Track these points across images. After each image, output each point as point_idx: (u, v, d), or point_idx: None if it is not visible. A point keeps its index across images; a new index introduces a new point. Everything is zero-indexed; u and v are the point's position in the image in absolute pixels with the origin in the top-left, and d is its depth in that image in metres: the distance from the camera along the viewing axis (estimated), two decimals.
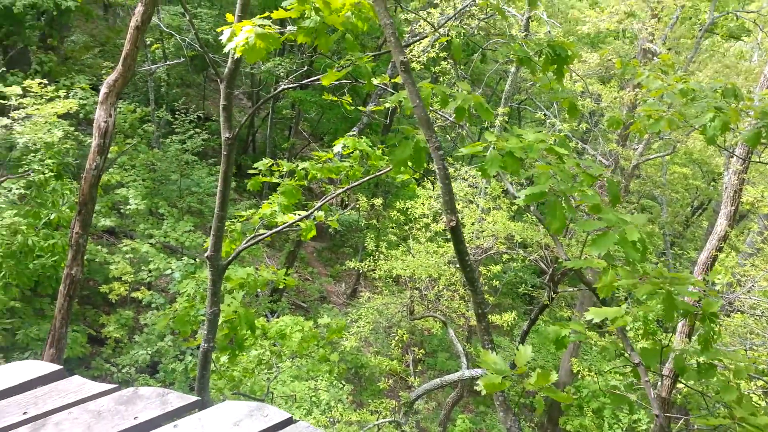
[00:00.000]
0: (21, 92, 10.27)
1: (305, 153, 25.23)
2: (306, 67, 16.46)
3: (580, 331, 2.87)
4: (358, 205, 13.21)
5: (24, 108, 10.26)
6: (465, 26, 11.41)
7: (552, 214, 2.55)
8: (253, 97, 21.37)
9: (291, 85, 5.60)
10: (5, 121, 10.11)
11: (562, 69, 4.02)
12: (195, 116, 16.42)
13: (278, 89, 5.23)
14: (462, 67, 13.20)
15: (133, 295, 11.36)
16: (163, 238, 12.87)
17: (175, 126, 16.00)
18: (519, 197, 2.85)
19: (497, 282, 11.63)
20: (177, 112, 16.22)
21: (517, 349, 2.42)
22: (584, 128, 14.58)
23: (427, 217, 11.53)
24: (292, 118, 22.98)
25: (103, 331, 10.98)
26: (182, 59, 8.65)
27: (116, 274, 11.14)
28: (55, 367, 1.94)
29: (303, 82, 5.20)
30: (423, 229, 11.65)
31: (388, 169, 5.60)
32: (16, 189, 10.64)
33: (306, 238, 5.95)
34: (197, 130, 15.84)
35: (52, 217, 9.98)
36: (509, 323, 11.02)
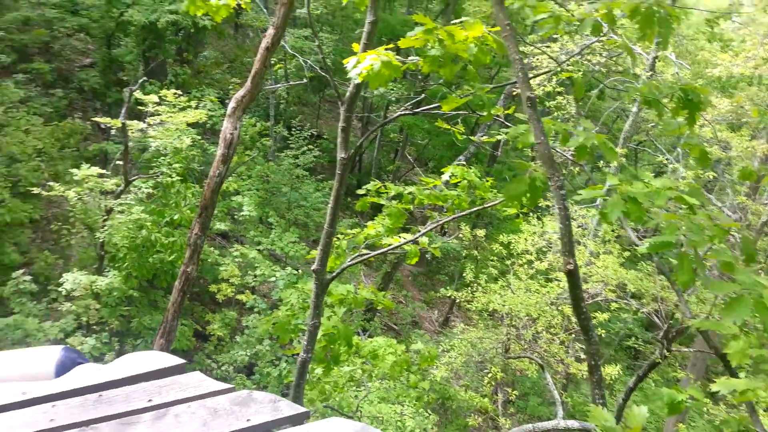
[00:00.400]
0: (157, 100, 11.15)
1: (409, 177, 25.50)
2: (419, 94, 16.71)
3: (698, 398, 2.65)
4: (461, 235, 13.14)
5: (159, 115, 11.15)
6: (586, 62, 11.13)
7: (681, 268, 2.39)
8: (363, 120, 21.99)
9: (407, 112, 5.72)
10: (142, 125, 11.05)
11: (695, 115, 3.80)
12: (309, 134, 17.18)
13: (395, 115, 5.33)
14: (578, 102, 12.83)
15: (238, 297, 11.95)
16: (270, 246, 13.47)
17: (290, 142, 16.82)
18: (641, 245, 2.71)
19: (603, 331, 11.02)
20: (293, 129, 17.05)
21: (625, 406, 2.28)
22: (709, 177, 13.62)
23: (530, 254, 11.22)
24: (399, 142, 23.38)
25: (208, 328, 11.62)
26: (304, 80, 9.13)
27: (225, 276, 11.78)
28: (179, 360, 2.04)
29: (420, 109, 5.30)
30: (525, 266, 11.34)
31: (498, 202, 5.55)
32: (146, 188, 11.59)
33: (410, 262, 6.00)
34: (310, 146, 16.54)
35: (175, 217, 10.79)
36: (612, 377, 10.40)
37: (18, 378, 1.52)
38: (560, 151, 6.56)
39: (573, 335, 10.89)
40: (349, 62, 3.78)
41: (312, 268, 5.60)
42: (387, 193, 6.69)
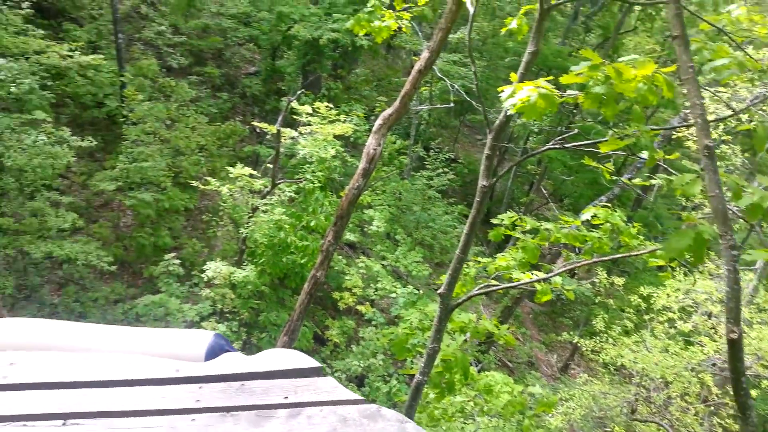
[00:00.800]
0: (310, 111, 11.81)
1: (541, 211, 24.72)
2: (566, 128, 16.16)
3: None
4: (595, 280, 12.42)
5: (310, 125, 11.80)
6: (761, 112, 10.07)
7: None
8: (502, 149, 21.67)
9: (556, 147, 5.52)
10: (294, 133, 11.74)
11: None
12: (446, 156, 17.27)
13: (542, 149, 5.16)
14: (745, 154, 11.65)
15: (358, 307, 12.22)
16: (394, 262, 13.66)
17: (426, 162, 17.01)
18: None
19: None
20: (431, 150, 17.24)
21: None
22: None
23: (673, 312, 10.29)
24: (535, 174, 22.75)
25: (327, 333, 11.99)
26: (450, 104, 9.21)
27: (348, 285, 12.11)
28: (316, 363, 2.07)
29: (572, 145, 5.08)
30: (665, 324, 10.43)
31: (648, 251, 5.14)
32: (289, 192, 12.27)
33: (540, 300, 5.76)
34: (445, 169, 16.61)
35: (311, 222, 11.31)
36: None
37: (172, 356, 1.62)
38: (730, 207, 5.98)
39: (711, 407, 9.79)
40: (504, 91, 3.72)
41: (438, 291, 5.57)
42: (522, 226, 6.50)
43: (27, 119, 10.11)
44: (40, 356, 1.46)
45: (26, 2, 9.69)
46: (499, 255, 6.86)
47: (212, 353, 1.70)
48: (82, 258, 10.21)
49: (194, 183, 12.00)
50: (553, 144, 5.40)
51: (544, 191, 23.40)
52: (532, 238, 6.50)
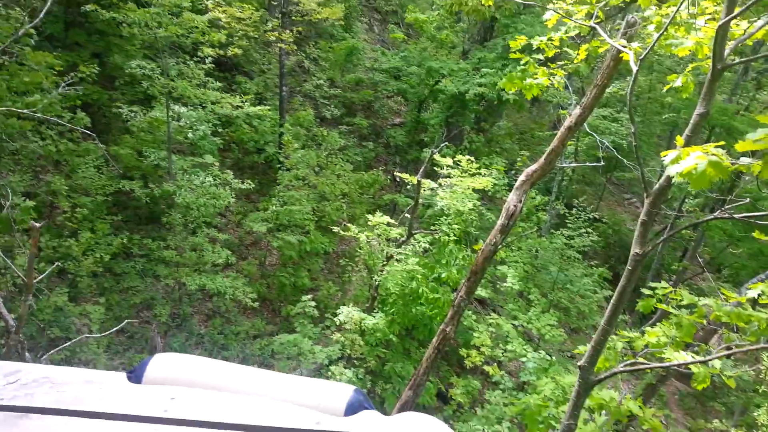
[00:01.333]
0: (451, 164, 11.88)
1: (695, 281, 22.48)
2: (729, 193, 14.69)
3: None
4: (761, 367, 10.92)
5: (450, 177, 11.85)
6: None
7: None
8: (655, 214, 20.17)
9: (724, 216, 4.97)
10: (433, 185, 11.85)
11: None
12: (589, 215, 16.41)
13: (707, 218, 4.69)
14: None
15: (485, 367, 11.78)
16: (526, 323, 13.05)
17: (568, 221, 16.29)
18: None
19: None
20: (573, 208, 16.52)
21: None
22: None
23: None
24: (690, 240, 20.85)
25: (451, 391, 11.65)
26: (600, 162, 8.75)
27: (476, 343, 11.74)
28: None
29: (744, 216, 4.52)
30: None
31: None
32: (424, 242, 12.33)
33: (697, 387, 5.13)
34: (588, 229, 15.76)
35: (443, 275, 11.23)
36: None
37: (314, 407, 1.63)
38: None
39: None
40: (667, 156, 3.45)
41: (578, 364, 5.19)
42: (678, 299, 5.93)
43: (198, 162, 11.27)
44: (197, 394, 1.53)
45: (209, 58, 10.96)
46: (648, 329, 6.30)
47: (351, 409, 1.70)
48: (230, 292, 11.00)
49: (335, 228, 12.51)
50: (720, 213, 4.87)
51: (700, 259, 21.36)
52: (688, 314, 5.90)
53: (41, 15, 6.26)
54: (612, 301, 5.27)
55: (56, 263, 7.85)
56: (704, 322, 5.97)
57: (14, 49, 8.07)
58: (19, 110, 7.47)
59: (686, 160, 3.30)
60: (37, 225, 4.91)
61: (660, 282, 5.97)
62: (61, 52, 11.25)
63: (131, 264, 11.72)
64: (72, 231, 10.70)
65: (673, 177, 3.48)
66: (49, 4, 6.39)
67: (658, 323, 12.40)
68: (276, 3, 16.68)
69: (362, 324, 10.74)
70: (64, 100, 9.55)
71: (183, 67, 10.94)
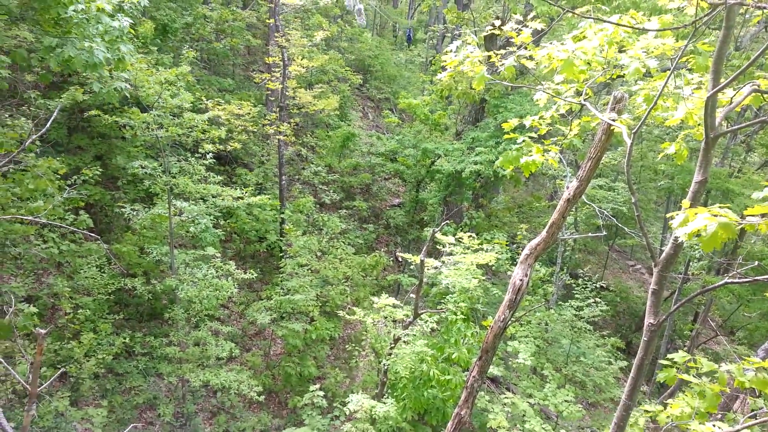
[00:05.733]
0: (453, 241, 11.88)
1: (709, 346, 21.97)
2: (733, 252, 14.67)
3: None
4: None
5: (453, 255, 11.82)
6: None
7: None
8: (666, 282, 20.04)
9: (736, 281, 4.91)
10: (437, 263, 11.81)
11: None
12: (596, 285, 16.25)
13: (719, 283, 4.64)
14: None
15: None
16: (543, 401, 12.60)
17: (575, 291, 16.12)
18: None
19: None
20: (579, 278, 16.37)
21: None
22: None
23: None
24: (700, 303, 20.55)
25: None
26: (603, 233, 8.76)
27: (493, 425, 11.26)
28: None
29: (759, 278, 4.46)
30: None
31: None
32: (431, 322, 12.12)
33: None
34: (596, 299, 15.55)
35: (453, 355, 10.95)
36: None
37: None
38: None
39: None
40: (675, 219, 3.47)
41: None
42: (697, 368, 5.77)
43: (199, 254, 11.27)
44: None
45: (210, 153, 11.23)
46: (671, 401, 6.07)
47: None
48: (235, 386, 10.68)
49: (340, 312, 12.34)
50: (730, 278, 4.81)
51: (712, 322, 20.97)
52: (709, 381, 5.72)
53: (47, 125, 6.46)
54: (631, 374, 5.12)
55: (60, 368, 7.66)
56: (727, 390, 5.79)
57: (20, 157, 8.28)
58: (23, 216, 7.56)
59: (694, 222, 3.33)
60: (43, 332, 4.83)
61: (675, 350, 5.83)
62: (64, 156, 11.55)
63: (133, 363, 11.45)
64: (74, 332, 10.54)
65: (680, 238, 3.47)
66: (55, 113, 6.61)
67: (678, 391, 11.97)
68: (273, 98, 17.33)
69: (373, 412, 10.35)
70: (67, 202, 9.69)
71: (184, 164, 11.19)
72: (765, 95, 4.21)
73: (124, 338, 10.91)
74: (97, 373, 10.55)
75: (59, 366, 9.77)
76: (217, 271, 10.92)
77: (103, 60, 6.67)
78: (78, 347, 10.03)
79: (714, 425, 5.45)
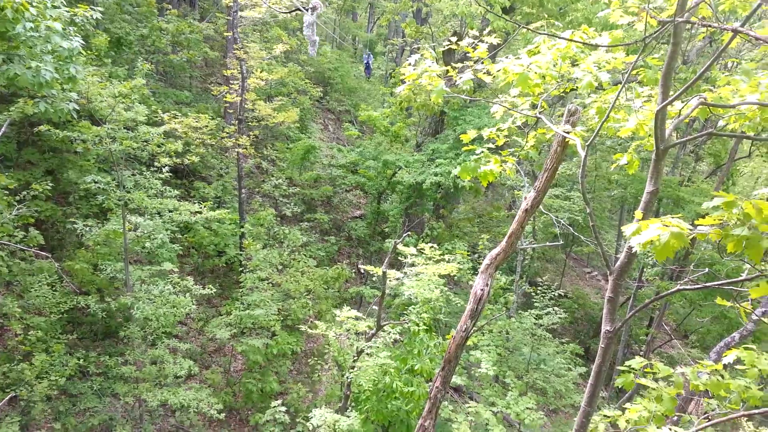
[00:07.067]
0: (415, 252, 11.93)
1: (664, 350, 22.61)
2: (684, 259, 15.17)
3: None
4: None
5: (415, 266, 11.86)
6: None
7: None
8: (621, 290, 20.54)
9: (690, 287, 5.08)
10: (399, 274, 11.82)
11: None
12: (555, 293, 16.56)
13: (674, 290, 4.80)
14: None
15: None
16: (505, 408, 12.72)
17: (534, 300, 16.38)
18: None
19: None
20: (538, 286, 16.66)
21: None
22: None
23: None
24: (655, 308, 21.17)
25: None
26: (560, 242, 8.95)
27: None
28: None
29: (712, 285, 4.63)
30: None
31: None
32: (393, 333, 12.10)
33: None
34: (555, 308, 15.85)
35: (416, 366, 10.94)
36: None
37: None
38: None
39: None
40: (628, 228, 3.57)
41: None
42: (654, 373, 5.94)
43: (156, 270, 10.99)
44: None
45: (166, 167, 11.00)
46: (629, 405, 6.21)
47: None
48: (194, 405, 10.40)
49: (302, 326, 12.21)
50: (683, 285, 4.98)
51: (666, 327, 21.59)
52: (666, 385, 5.87)
53: None
54: (590, 380, 5.21)
55: (10, 392, 7.32)
56: (683, 392, 5.95)
57: None
58: None
59: (647, 232, 3.42)
60: None
61: (632, 354, 5.98)
62: (13, 171, 11.13)
63: (88, 384, 11.05)
64: (24, 354, 10.10)
65: (634, 248, 3.58)
66: (4, 128, 6.38)
67: (636, 395, 12.24)
68: (232, 111, 17.14)
69: (336, 426, 10.24)
70: (16, 219, 9.32)
71: (139, 178, 10.92)
72: (711, 107, 4.39)
73: (78, 358, 10.51)
74: (49, 396, 10.12)
75: (8, 390, 9.34)
76: (174, 287, 10.65)
77: (50, 80, 6.47)
78: (29, 369, 9.62)
79: (670, 429, 5.60)
